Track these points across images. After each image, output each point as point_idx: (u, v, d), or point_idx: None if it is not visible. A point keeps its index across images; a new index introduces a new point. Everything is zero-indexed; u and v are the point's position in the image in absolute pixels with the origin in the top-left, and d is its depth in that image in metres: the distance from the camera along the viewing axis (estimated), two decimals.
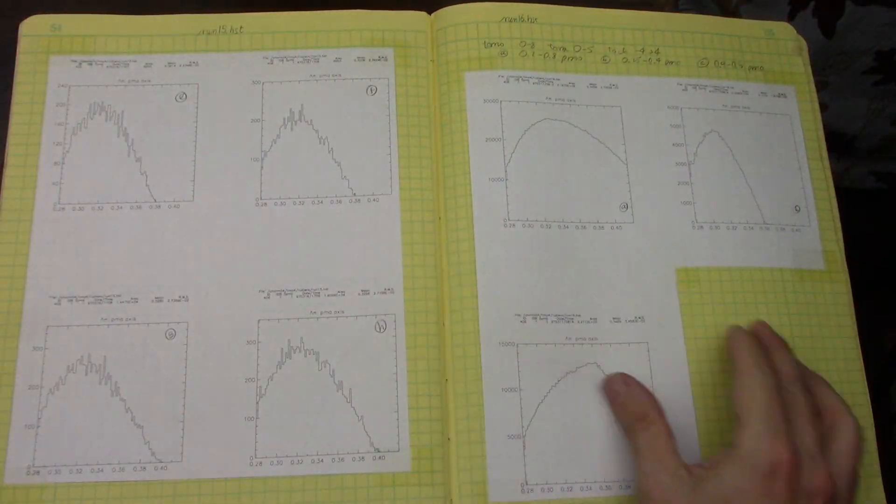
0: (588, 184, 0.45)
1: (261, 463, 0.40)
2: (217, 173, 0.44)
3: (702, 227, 0.45)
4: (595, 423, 0.41)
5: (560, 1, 0.48)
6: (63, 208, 0.44)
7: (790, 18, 0.62)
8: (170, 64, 0.46)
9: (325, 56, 0.47)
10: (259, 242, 0.43)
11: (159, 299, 0.42)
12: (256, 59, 0.46)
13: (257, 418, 0.41)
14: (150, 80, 0.46)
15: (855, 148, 0.71)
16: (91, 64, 0.46)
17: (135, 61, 0.46)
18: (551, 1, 0.48)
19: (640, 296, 0.44)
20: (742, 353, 0.39)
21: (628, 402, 0.40)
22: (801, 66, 0.49)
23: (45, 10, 0.46)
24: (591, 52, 0.47)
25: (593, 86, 0.47)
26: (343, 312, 0.43)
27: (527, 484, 0.40)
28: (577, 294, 0.43)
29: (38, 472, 0.40)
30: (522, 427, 0.41)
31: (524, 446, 0.41)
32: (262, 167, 0.45)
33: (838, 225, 0.47)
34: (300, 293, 0.43)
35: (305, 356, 0.42)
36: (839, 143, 0.71)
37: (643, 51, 0.48)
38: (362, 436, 0.41)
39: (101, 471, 0.40)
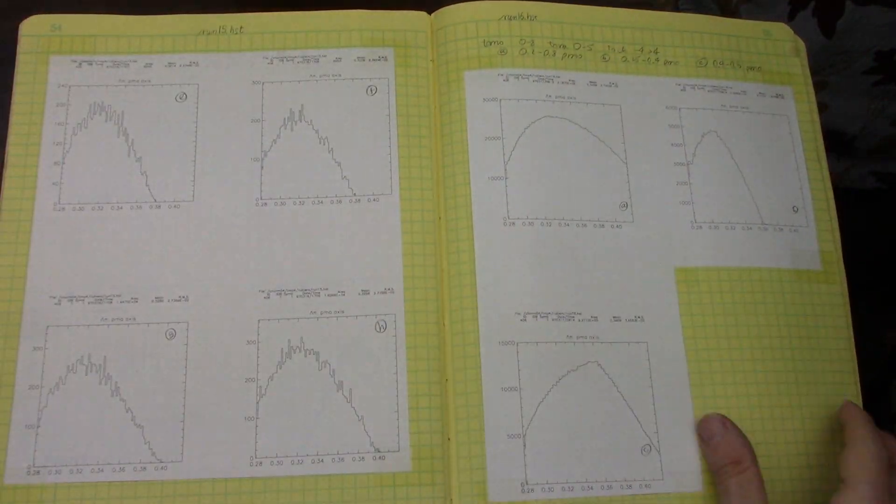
0: (588, 182, 0.45)
1: (261, 463, 0.40)
2: (217, 173, 0.44)
3: (700, 227, 0.45)
4: (596, 422, 0.41)
5: None
6: (63, 208, 0.44)
7: (790, 18, 0.62)
8: (170, 64, 0.46)
9: (325, 56, 0.47)
10: (259, 242, 0.43)
11: (159, 299, 0.42)
12: (256, 60, 0.46)
13: (257, 418, 0.41)
14: (150, 81, 0.46)
15: (855, 148, 0.71)
16: (91, 64, 0.46)
17: (135, 61, 0.46)
18: None
19: (640, 295, 0.44)
20: (856, 424, 0.40)
21: (723, 444, 0.40)
22: (798, 66, 0.49)
23: (45, 10, 0.46)
24: (591, 50, 0.47)
25: (593, 84, 0.47)
26: (343, 312, 0.43)
27: (527, 483, 0.40)
28: (577, 292, 0.43)
29: (38, 472, 0.40)
30: (523, 426, 0.41)
31: (524, 446, 0.41)
32: (262, 167, 0.45)
33: (836, 226, 0.47)
34: (300, 293, 0.43)
35: (305, 356, 0.42)
36: (839, 143, 0.71)
37: (642, 50, 0.48)
38: (362, 436, 0.41)
39: (101, 471, 0.40)
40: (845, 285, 0.46)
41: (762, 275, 0.45)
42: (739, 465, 0.39)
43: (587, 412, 0.41)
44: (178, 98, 0.46)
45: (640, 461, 0.41)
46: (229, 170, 0.45)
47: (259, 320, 0.42)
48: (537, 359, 0.42)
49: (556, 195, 0.44)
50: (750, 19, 0.51)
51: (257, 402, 0.41)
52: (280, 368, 0.42)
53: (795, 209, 0.46)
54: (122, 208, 0.44)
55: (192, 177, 0.44)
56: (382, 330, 0.42)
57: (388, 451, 0.41)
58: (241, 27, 0.47)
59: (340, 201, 0.44)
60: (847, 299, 0.46)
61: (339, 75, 0.46)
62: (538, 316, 0.42)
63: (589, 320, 0.43)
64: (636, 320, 0.43)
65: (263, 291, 0.43)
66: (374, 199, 0.44)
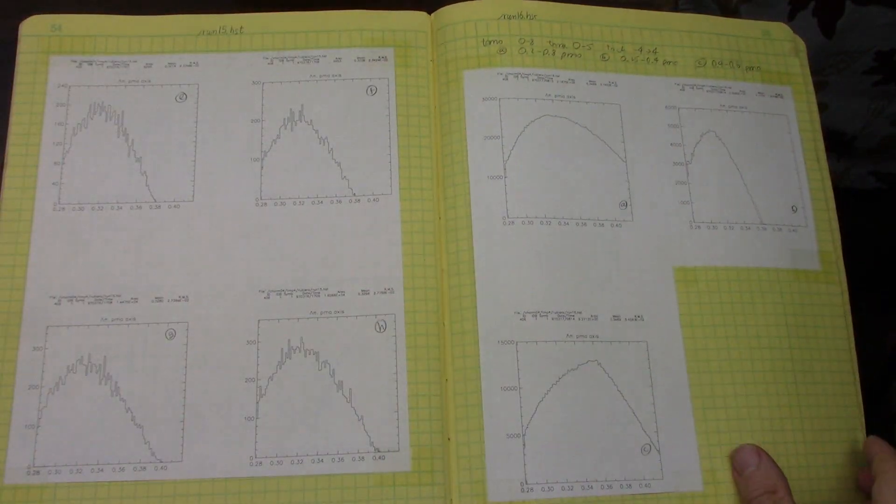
0: (588, 181, 0.45)
1: (261, 463, 0.40)
2: (217, 173, 0.44)
3: (699, 226, 0.45)
4: (596, 422, 0.41)
5: None
6: (63, 208, 0.44)
7: (790, 18, 0.62)
8: (170, 64, 0.46)
9: (325, 56, 0.47)
10: (259, 242, 0.43)
11: (159, 299, 0.42)
12: (256, 60, 0.46)
13: (257, 418, 0.41)
14: (150, 81, 0.46)
15: (855, 148, 0.71)
16: (91, 64, 0.46)
17: (135, 61, 0.46)
18: None
19: (640, 294, 0.44)
20: (885, 457, 0.40)
21: (758, 474, 0.40)
22: (797, 66, 0.49)
23: (45, 10, 0.46)
24: (591, 49, 0.47)
25: (593, 83, 0.47)
26: (343, 312, 0.43)
27: (526, 483, 0.40)
28: (577, 291, 0.43)
29: (38, 472, 0.40)
30: (522, 426, 0.41)
31: (524, 445, 0.41)
32: (262, 167, 0.45)
33: (835, 226, 0.47)
34: (300, 293, 0.43)
35: (305, 356, 0.42)
36: (839, 143, 0.71)
37: (641, 50, 0.48)
38: (362, 436, 0.41)
39: (101, 471, 0.40)
40: (845, 285, 0.46)
41: (761, 275, 0.45)
42: (775, 494, 0.39)
43: (587, 411, 0.41)
44: (178, 98, 0.46)
45: (640, 461, 0.41)
46: (229, 170, 0.45)
47: (259, 320, 0.42)
48: (537, 358, 0.42)
49: (555, 194, 0.44)
50: (750, 19, 0.51)
51: (257, 402, 0.41)
52: (280, 368, 0.42)
53: (794, 209, 0.46)
54: (122, 208, 0.44)
55: (192, 177, 0.44)
56: (382, 330, 0.42)
57: (388, 451, 0.41)
58: (241, 27, 0.47)
59: (340, 201, 0.44)
60: (847, 299, 0.46)
61: (339, 75, 0.46)
62: (538, 315, 0.42)
63: (589, 319, 0.43)
64: (636, 319, 0.43)
65: (263, 291, 0.43)
66: (374, 199, 0.44)
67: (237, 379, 0.42)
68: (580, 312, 0.43)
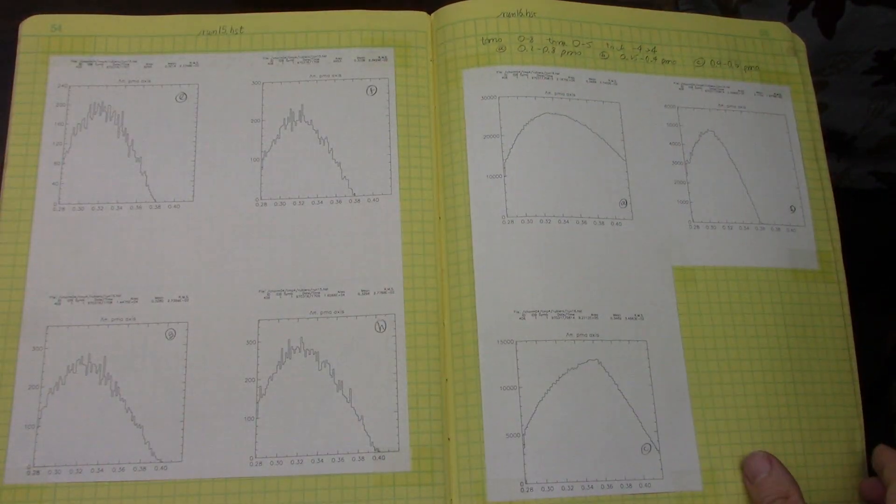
0: (587, 179, 0.45)
1: (261, 463, 0.40)
2: (217, 173, 0.44)
3: (698, 226, 0.45)
4: (596, 421, 0.41)
5: None
6: (63, 208, 0.44)
7: (790, 19, 0.62)
8: (170, 64, 0.46)
9: (325, 56, 0.47)
10: (259, 242, 0.43)
11: (159, 299, 0.42)
12: (256, 60, 0.46)
13: (257, 418, 0.41)
14: (150, 81, 0.46)
15: (855, 148, 0.71)
16: (91, 64, 0.46)
17: (135, 61, 0.46)
18: None
19: (639, 293, 0.44)
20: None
21: (770, 480, 0.40)
22: (796, 66, 0.49)
23: (45, 10, 0.46)
24: (590, 46, 0.47)
25: (592, 81, 0.47)
26: (343, 312, 0.43)
27: (526, 483, 0.40)
28: (577, 289, 0.43)
29: (38, 472, 0.40)
30: (522, 425, 0.41)
31: (524, 445, 0.41)
32: (262, 167, 0.45)
33: (834, 225, 0.47)
34: (300, 293, 0.43)
35: (305, 356, 0.42)
36: (839, 143, 0.71)
37: (640, 48, 0.48)
38: (362, 436, 0.41)
39: (101, 471, 0.40)
40: (844, 285, 0.46)
41: (759, 275, 0.45)
42: (788, 499, 0.39)
43: (587, 411, 0.41)
44: (178, 98, 0.46)
45: (640, 460, 0.41)
46: (229, 170, 0.45)
47: (259, 320, 0.42)
48: (537, 357, 0.42)
49: (555, 192, 0.44)
50: (750, 19, 0.51)
51: (257, 402, 0.41)
52: (280, 368, 0.42)
53: (793, 209, 0.46)
54: (121, 208, 0.44)
55: (192, 177, 0.44)
56: (382, 330, 0.42)
57: (388, 451, 0.41)
58: (241, 27, 0.47)
59: (340, 201, 0.44)
60: (846, 298, 0.46)
61: (339, 75, 0.46)
62: (538, 314, 0.42)
63: (589, 318, 0.43)
64: (636, 318, 0.43)
65: (263, 291, 0.43)
66: (374, 199, 0.44)
67: (237, 379, 0.42)
68: (580, 311, 0.43)
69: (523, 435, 0.41)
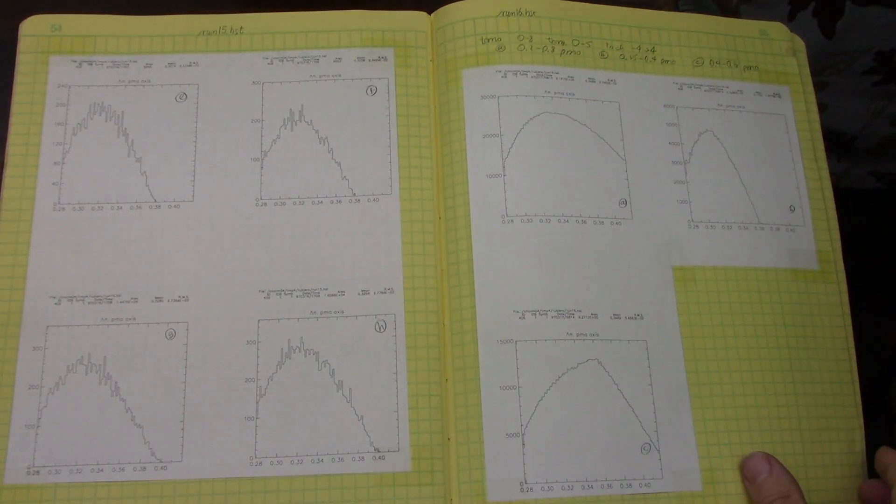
0: (587, 178, 0.45)
1: (261, 463, 0.41)
2: (217, 173, 0.45)
3: (697, 226, 0.45)
4: (596, 421, 0.41)
5: None
6: (63, 208, 0.44)
7: (790, 19, 0.62)
8: (170, 64, 0.46)
9: (325, 56, 0.47)
10: (259, 242, 0.44)
11: (159, 299, 0.42)
12: (256, 60, 0.46)
13: (257, 418, 0.41)
14: (150, 81, 0.46)
15: (855, 148, 0.71)
16: (91, 64, 0.46)
17: (135, 61, 0.46)
18: None
19: (639, 293, 0.44)
20: None
21: (770, 480, 0.40)
22: (795, 66, 0.49)
23: (45, 10, 0.46)
24: (590, 46, 0.47)
25: (592, 80, 0.47)
26: (343, 312, 0.43)
27: (526, 483, 0.40)
28: (577, 289, 0.43)
29: (38, 472, 0.40)
30: (521, 425, 0.41)
31: (523, 445, 0.41)
32: (262, 167, 0.45)
33: (834, 225, 0.47)
34: (300, 293, 0.43)
35: (305, 356, 0.42)
36: (839, 144, 0.71)
37: (639, 48, 0.48)
38: (362, 436, 0.41)
39: (101, 471, 0.40)
40: (843, 284, 0.46)
41: (759, 275, 0.45)
42: (789, 499, 0.39)
43: (587, 410, 0.41)
44: (178, 98, 0.46)
45: (639, 460, 0.41)
46: (229, 170, 0.45)
47: (259, 320, 0.42)
48: (536, 357, 0.42)
49: (554, 192, 0.44)
50: (750, 19, 0.51)
51: (257, 402, 0.41)
52: (280, 368, 0.42)
53: (792, 208, 0.46)
54: (121, 208, 0.44)
55: (192, 177, 0.44)
56: (382, 330, 0.42)
57: (388, 451, 0.41)
58: (241, 27, 0.47)
59: (340, 201, 0.44)
60: (845, 298, 0.46)
61: (339, 75, 0.46)
62: (537, 313, 0.42)
63: (589, 317, 0.43)
64: (636, 318, 0.43)
65: (263, 291, 0.43)
66: (374, 199, 0.44)
67: (237, 379, 0.42)
68: (580, 311, 0.43)
69: (523, 435, 0.41)
